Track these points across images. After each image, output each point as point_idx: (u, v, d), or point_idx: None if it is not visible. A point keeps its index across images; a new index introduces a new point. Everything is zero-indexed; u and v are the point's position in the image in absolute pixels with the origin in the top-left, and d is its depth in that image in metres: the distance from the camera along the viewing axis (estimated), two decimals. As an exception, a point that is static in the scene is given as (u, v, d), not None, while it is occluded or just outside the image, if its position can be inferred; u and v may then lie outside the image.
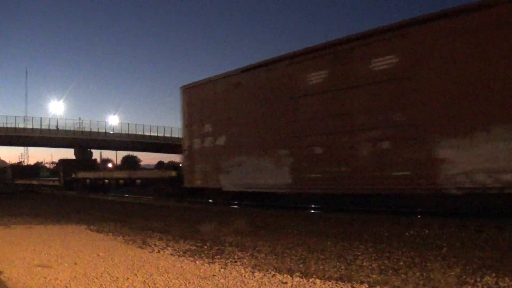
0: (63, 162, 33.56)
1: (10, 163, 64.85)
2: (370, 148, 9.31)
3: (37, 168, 51.29)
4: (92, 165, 34.47)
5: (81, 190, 26.41)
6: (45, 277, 4.73)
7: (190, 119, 14.62)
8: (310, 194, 11.55)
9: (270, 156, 11.50)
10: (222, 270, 4.86)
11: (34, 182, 36.92)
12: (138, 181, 21.18)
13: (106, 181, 24.78)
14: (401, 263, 4.94)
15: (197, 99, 14.38)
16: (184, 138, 14.98)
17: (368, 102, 9.38)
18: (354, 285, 4.08)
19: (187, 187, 14.89)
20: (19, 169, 46.21)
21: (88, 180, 26.68)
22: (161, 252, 6.04)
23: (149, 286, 4.27)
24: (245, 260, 5.36)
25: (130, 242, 6.94)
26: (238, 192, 12.98)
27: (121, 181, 23.11)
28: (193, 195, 15.55)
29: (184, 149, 14.98)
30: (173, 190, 16.91)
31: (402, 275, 4.36)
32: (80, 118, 57.67)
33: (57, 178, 33.18)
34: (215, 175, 13.28)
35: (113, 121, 59.33)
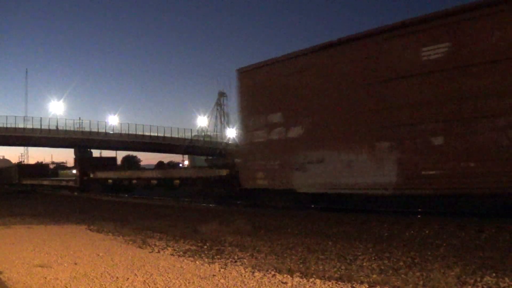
0: (79, 160, 30.20)
1: (17, 163, 63.48)
2: None
3: (47, 167, 48.44)
4: (113, 163, 30.54)
5: (101, 191, 23.63)
6: (45, 277, 4.73)
7: (250, 107, 12.33)
8: (423, 196, 9.26)
9: (366, 150, 9.51)
10: (222, 270, 4.86)
11: (45, 183, 33.96)
12: (177, 181, 18.21)
13: (134, 181, 21.66)
14: (401, 263, 4.94)
15: (260, 84, 12.07)
16: (242, 130, 12.73)
17: None
18: (354, 285, 4.08)
19: (245, 188, 12.48)
20: (26, 168, 43.72)
21: (110, 180, 23.63)
22: (161, 252, 6.04)
23: (149, 286, 4.28)
24: (245, 260, 5.36)
25: (130, 242, 6.94)
26: (318, 194, 10.83)
27: (154, 182, 19.95)
28: (253, 198, 13.19)
29: (241, 143, 12.84)
30: (226, 192, 14.50)
31: (402, 275, 4.36)
32: (80, 118, 57.65)
33: (72, 178, 29.90)
34: (285, 173, 11.11)
35: (113, 121, 59.32)
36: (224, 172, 14.69)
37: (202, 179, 16.22)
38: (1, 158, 76.06)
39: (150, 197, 19.31)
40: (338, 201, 10.99)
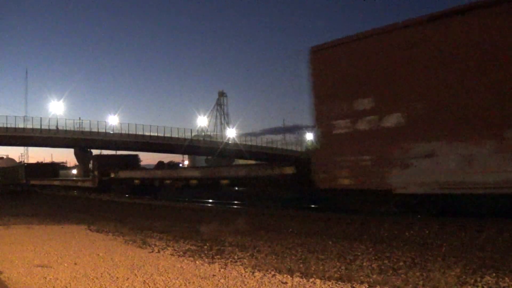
0: (98, 158, 26.95)
1: (22, 162, 61.94)
2: None
3: (56, 166, 43.83)
4: (136, 161, 27.09)
5: (124, 193, 21.12)
6: (45, 277, 4.73)
7: (328, 92, 10.39)
8: None
9: (495, 141, 7.86)
10: (222, 270, 4.86)
11: (56, 183, 31.49)
12: (225, 181, 15.74)
13: (168, 181, 19.10)
14: (401, 263, 4.94)
15: (342, 63, 10.24)
16: (316, 120, 10.63)
17: None
18: (354, 285, 4.08)
19: (322, 189, 10.52)
20: (34, 167, 39.45)
21: (137, 181, 20.99)
22: (161, 252, 6.04)
23: (149, 286, 4.28)
24: (245, 260, 5.36)
25: (130, 242, 6.94)
26: (422, 195, 9.03)
27: (194, 182, 17.36)
28: (332, 200, 11.33)
29: (315, 135, 10.83)
30: (293, 194, 12.67)
31: (402, 275, 4.36)
32: (80, 118, 57.59)
33: (89, 178, 27.27)
34: (379, 170, 9.33)
35: (113, 121, 59.23)
36: (289, 170, 12.61)
37: (258, 179, 13.90)
38: (5, 157, 75.38)
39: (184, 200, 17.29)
40: (449, 203, 9.19)
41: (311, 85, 10.70)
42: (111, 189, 22.58)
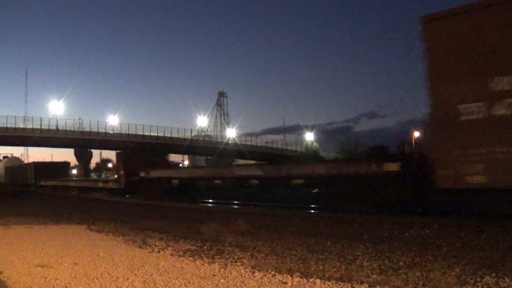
0: (124, 156, 23.81)
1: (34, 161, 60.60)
2: None
3: (67, 166, 40.23)
4: (165, 159, 24.28)
5: (158, 195, 18.12)
6: (45, 277, 4.73)
7: (450, 70, 8.67)
8: None
9: None
10: (222, 270, 4.86)
11: (71, 184, 29.28)
12: (298, 181, 13.06)
13: (217, 181, 16.23)
14: (401, 263, 4.94)
15: (467, 36, 8.50)
16: (434, 104, 8.81)
17: None
18: (354, 285, 4.08)
19: (444, 189, 8.52)
20: (44, 167, 36.06)
21: (175, 181, 18.11)
22: (161, 252, 6.04)
23: (149, 286, 4.27)
24: (245, 260, 5.36)
25: (130, 242, 6.94)
26: None
27: (254, 182, 14.43)
28: (456, 203, 9.56)
29: (432, 123, 8.89)
30: (399, 197, 10.13)
31: (402, 275, 4.36)
32: (80, 118, 57.64)
33: (111, 179, 25.47)
34: None
35: (113, 121, 59.32)
36: (393, 167, 10.38)
37: (347, 179, 11.41)
38: (10, 156, 74.86)
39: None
40: None
41: (426, 62, 8.90)
42: (141, 191, 20.00)
